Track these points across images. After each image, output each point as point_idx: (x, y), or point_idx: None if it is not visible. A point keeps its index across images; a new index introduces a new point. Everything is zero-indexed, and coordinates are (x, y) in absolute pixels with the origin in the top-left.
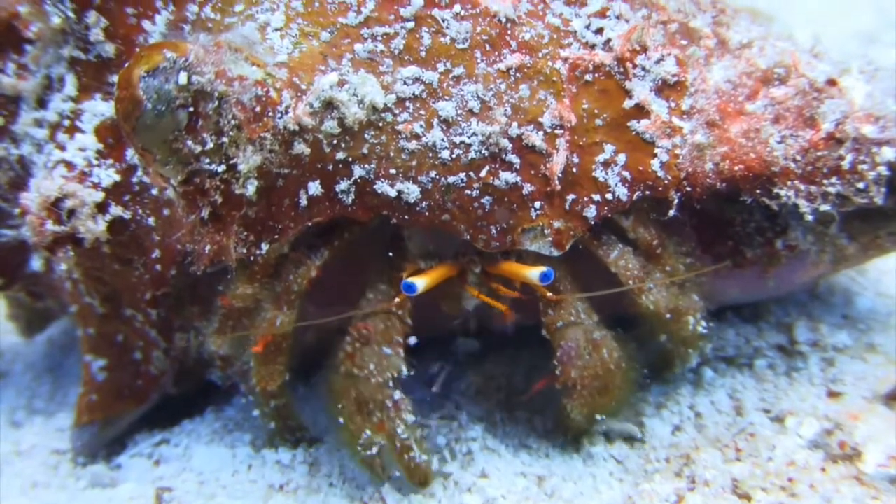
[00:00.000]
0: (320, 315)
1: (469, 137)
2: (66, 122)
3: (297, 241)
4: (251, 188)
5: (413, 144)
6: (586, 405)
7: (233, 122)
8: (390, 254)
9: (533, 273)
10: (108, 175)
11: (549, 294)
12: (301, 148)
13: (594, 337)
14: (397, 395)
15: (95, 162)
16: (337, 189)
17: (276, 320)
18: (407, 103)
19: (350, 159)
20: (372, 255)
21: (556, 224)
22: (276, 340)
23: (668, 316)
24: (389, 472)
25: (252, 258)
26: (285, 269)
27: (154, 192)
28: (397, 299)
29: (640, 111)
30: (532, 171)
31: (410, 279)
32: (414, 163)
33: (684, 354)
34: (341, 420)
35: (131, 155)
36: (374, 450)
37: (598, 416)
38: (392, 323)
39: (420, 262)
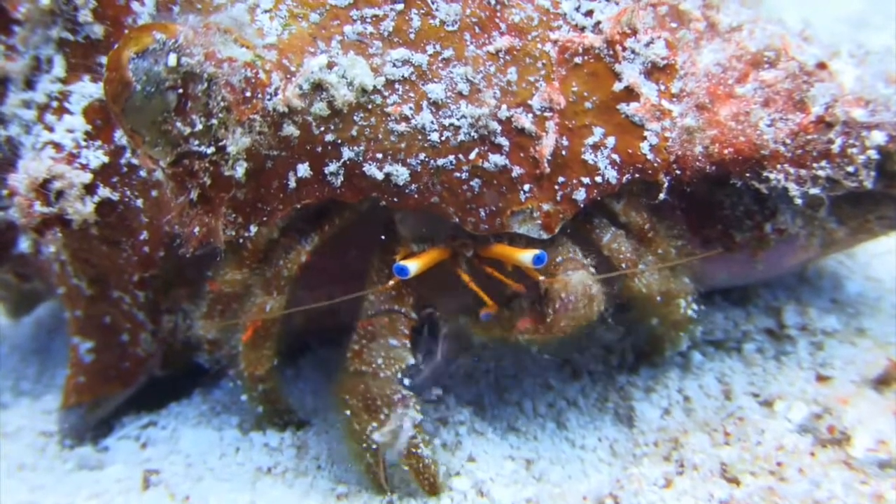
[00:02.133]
0: (311, 298)
1: (458, 120)
2: (55, 104)
3: (287, 227)
4: (240, 170)
5: (402, 127)
6: (541, 341)
7: (222, 103)
8: (383, 237)
9: (526, 256)
10: (96, 156)
11: (541, 277)
12: (290, 130)
13: (592, 292)
14: (404, 391)
15: (84, 143)
16: (326, 171)
17: (266, 306)
18: (396, 85)
19: (339, 141)
20: (363, 239)
21: (546, 207)
22: (265, 325)
23: (659, 299)
24: (393, 485)
25: (241, 241)
26: (275, 255)
27: (142, 173)
28: (391, 282)
29: (630, 94)
30: (521, 154)
31: (402, 262)
32: (403, 145)
33: (674, 338)
34: (348, 418)
35: (120, 136)
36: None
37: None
38: (398, 319)
39: (412, 245)
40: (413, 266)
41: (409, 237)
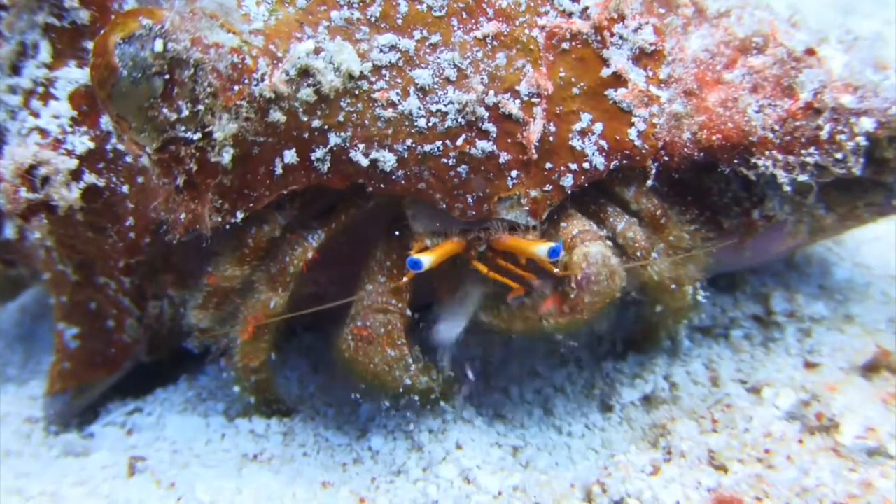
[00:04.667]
0: (321, 283)
1: (445, 106)
2: (40, 89)
3: (293, 223)
4: (226, 156)
5: (389, 112)
6: (567, 325)
7: (208, 89)
8: (396, 233)
9: (541, 249)
10: (82, 142)
11: (556, 270)
12: (277, 116)
13: (612, 264)
14: (410, 370)
15: (69, 129)
16: (312, 157)
17: (271, 302)
18: (383, 71)
19: (326, 127)
20: (372, 235)
21: (533, 193)
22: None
23: (672, 286)
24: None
25: (243, 238)
26: (281, 251)
27: (128, 159)
28: (405, 278)
29: (618, 80)
30: (509, 140)
31: (416, 255)
32: (390, 131)
33: (673, 326)
34: (363, 384)
35: (106, 122)
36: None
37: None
38: (392, 324)
39: (426, 240)
40: (427, 259)
41: (423, 232)
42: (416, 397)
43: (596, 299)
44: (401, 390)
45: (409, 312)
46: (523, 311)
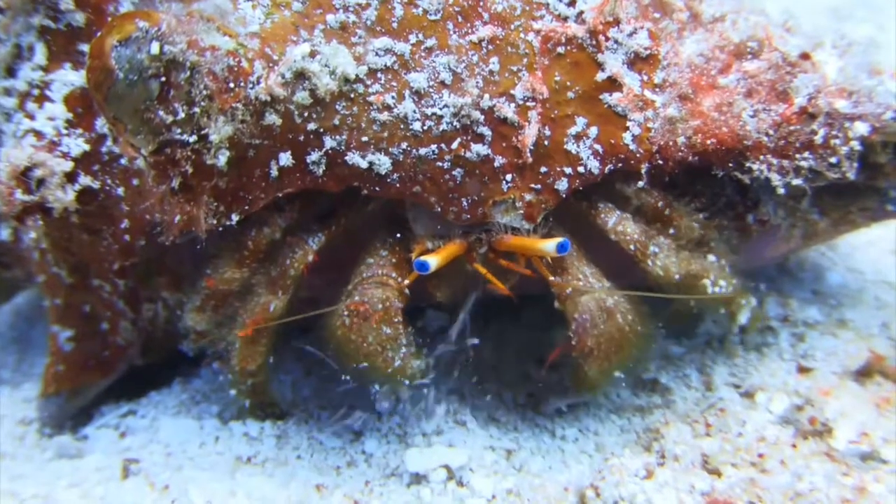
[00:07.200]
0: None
1: (441, 109)
2: (36, 92)
3: (294, 226)
4: (222, 159)
5: (384, 116)
6: (604, 363)
7: (204, 92)
8: (398, 235)
9: (549, 245)
10: (77, 145)
11: (551, 277)
12: (272, 118)
13: (608, 305)
14: (401, 352)
15: (65, 131)
16: (308, 160)
17: (270, 305)
18: (379, 74)
19: (321, 130)
20: (370, 238)
21: (528, 197)
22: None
23: (677, 278)
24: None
25: (242, 241)
26: (282, 254)
27: (123, 161)
28: (406, 281)
29: (613, 84)
30: (503, 144)
31: (423, 257)
32: (385, 134)
33: (730, 315)
34: (355, 363)
35: (101, 124)
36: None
37: (616, 373)
38: (390, 301)
39: (427, 242)
40: (433, 261)
41: (424, 235)
42: (406, 381)
43: (602, 339)
44: (390, 371)
45: (407, 291)
46: (576, 377)
